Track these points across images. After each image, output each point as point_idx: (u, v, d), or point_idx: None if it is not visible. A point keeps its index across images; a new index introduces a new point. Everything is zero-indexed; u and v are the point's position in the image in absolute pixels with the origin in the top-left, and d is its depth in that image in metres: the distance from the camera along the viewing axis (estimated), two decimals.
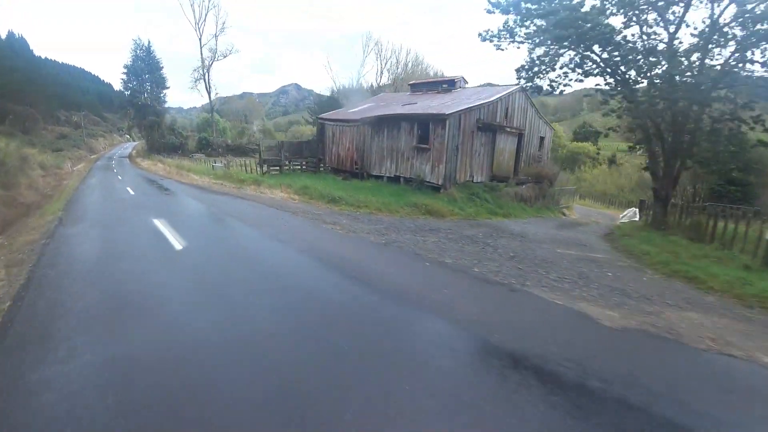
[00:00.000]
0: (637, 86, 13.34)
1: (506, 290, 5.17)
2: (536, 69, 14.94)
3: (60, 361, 2.93)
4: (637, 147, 14.61)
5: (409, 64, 44.58)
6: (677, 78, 12.15)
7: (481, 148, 16.07)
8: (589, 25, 11.84)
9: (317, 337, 3.39)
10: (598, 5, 12.47)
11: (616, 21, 13.57)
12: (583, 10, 12.40)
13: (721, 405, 2.80)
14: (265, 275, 5.10)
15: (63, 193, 16.20)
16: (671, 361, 3.52)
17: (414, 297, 4.62)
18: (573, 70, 14.62)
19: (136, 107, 47.94)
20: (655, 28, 12.88)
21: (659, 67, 12.70)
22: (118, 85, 51.36)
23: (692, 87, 11.74)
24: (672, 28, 12.55)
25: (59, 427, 2.23)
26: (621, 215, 20.52)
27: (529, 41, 14.87)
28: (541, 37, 14.30)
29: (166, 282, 4.74)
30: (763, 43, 10.71)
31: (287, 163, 20.29)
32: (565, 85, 14.41)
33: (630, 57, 12.54)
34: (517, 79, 15.52)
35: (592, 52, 13.37)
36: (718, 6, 11.50)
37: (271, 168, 19.85)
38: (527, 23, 14.43)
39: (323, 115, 21.75)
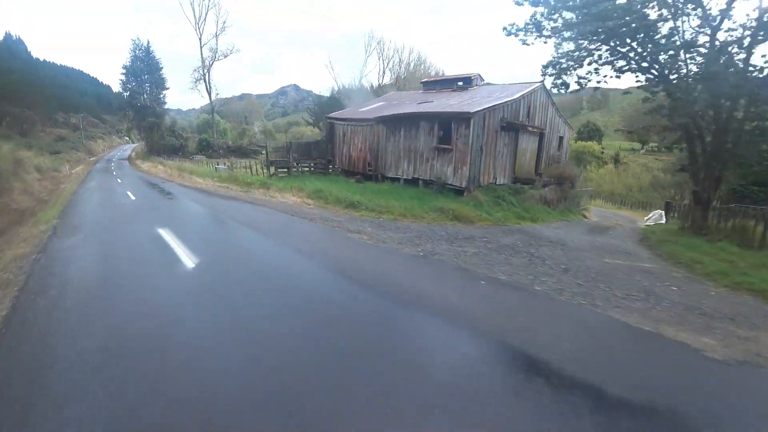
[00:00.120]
0: (676, 82, 12.45)
1: (586, 314, 4.51)
2: (564, 65, 14.07)
3: None
4: (675, 147, 13.67)
5: (412, 64, 43.70)
6: (719, 74, 11.28)
7: (504, 148, 15.14)
8: (632, 16, 10.92)
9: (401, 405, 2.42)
10: None
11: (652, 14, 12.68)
12: (622, 0, 11.49)
13: None
14: (299, 307, 4.13)
15: (60, 198, 15.22)
16: None
17: (493, 331, 3.73)
18: (605, 66, 13.73)
19: (135, 108, 46.95)
20: (695, 21, 11.97)
21: (699, 61, 11.80)
22: (117, 87, 50.43)
23: (740, 83, 10.86)
24: (715, 22, 11.63)
25: None
26: (645, 218, 19.61)
27: (557, 36, 13.99)
28: (571, 32, 13.43)
29: (181, 317, 3.77)
30: None
31: (295, 164, 19.30)
32: (598, 82, 13.49)
33: (672, 51, 11.62)
34: (543, 75, 14.62)
35: (629, 46, 12.45)
36: None
37: (279, 170, 18.87)
38: (555, 16, 13.54)
39: (332, 115, 20.77)
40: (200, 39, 45.37)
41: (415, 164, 14.99)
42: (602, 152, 54.90)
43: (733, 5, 11.12)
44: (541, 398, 2.64)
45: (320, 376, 2.78)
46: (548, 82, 14.95)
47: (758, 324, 4.57)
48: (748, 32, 10.93)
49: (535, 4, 13.04)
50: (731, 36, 11.51)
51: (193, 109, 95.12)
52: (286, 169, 18.96)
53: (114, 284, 4.75)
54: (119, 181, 22.02)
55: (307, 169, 19.78)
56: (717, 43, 11.48)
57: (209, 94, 47.47)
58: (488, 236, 9.97)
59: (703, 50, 11.70)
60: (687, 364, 3.45)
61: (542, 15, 13.73)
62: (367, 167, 17.23)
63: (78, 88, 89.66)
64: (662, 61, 12.26)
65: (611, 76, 13.40)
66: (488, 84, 18.98)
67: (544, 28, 13.96)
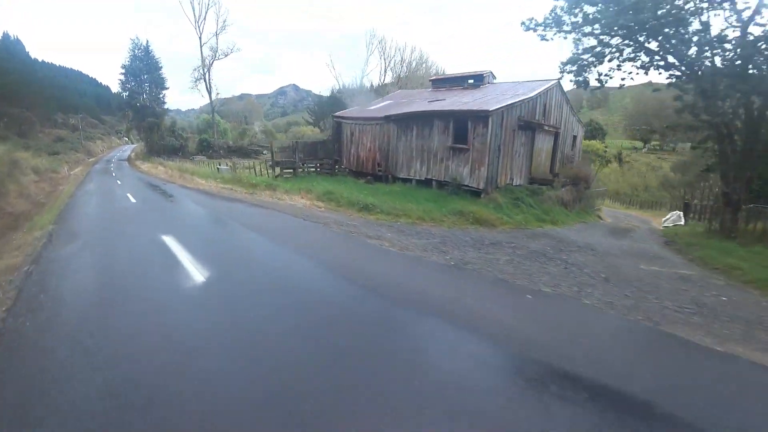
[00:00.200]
0: (705, 78, 11.83)
1: (650, 334, 4.13)
2: (584, 62, 13.47)
3: None
4: (702, 146, 13.05)
5: (413, 63, 42.99)
6: (751, 70, 10.70)
7: (520, 148, 14.54)
8: (666, 8, 10.31)
9: None
10: None
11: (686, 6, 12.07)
12: None
13: None
14: (328, 328, 3.50)
15: (57, 201, 14.57)
16: None
17: (562, 359, 3.14)
18: (627, 62, 13.14)
19: (134, 109, 46.25)
20: (726, 13, 11.37)
21: (729, 57, 11.19)
22: (116, 88, 49.67)
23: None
24: (748, 15, 11.01)
25: None
26: (663, 219, 19.00)
27: (576, 31, 13.40)
28: (592, 26, 12.86)
29: (198, 348, 3.13)
30: None
31: (302, 165, 18.66)
32: (622, 79, 12.89)
33: (705, 46, 11.01)
34: (561, 72, 14.02)
35: (656, 41, 11.83)
36: None
37: (285, 171, 18.22)
38: (576, 11, 12.95)
39: (339, 113, 20.13)
40: (200, 38, 44.78)
41: (429, 164, 14.35)
42: (605, 151, 54.36)
43: None
44: None
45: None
46: (567, 79, 14.38)
47: None
48: None
49: None
50: (764, 31, 10.91)
51: (193, 109, 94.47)
52: (291, 170, 18.32)
53: (114, 306, 4.10)
54: (119, 182, 21.37)
55: (313, 169, 19.13)
56: (750, 37, 10.88)
57: (209, 93, 46.85)
58: (514, 241, 9.39)
59: (729, 46, 11.11)
60: None
61: (563, 9, 13.15)
62: (376, 167, 16.58)
63: (77, 88, 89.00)
64: (690, 56, 11.66)
65: (636, 73, 12.81)
66: (500, 82, 18.36)
67: (564, 23, 13.38)
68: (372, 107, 19.49)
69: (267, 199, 12.87)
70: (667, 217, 18.89)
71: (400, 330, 3.71)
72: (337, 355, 3.04)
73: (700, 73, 11.51)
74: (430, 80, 20.03)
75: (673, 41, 11.63)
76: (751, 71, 10.80)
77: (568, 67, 13.90)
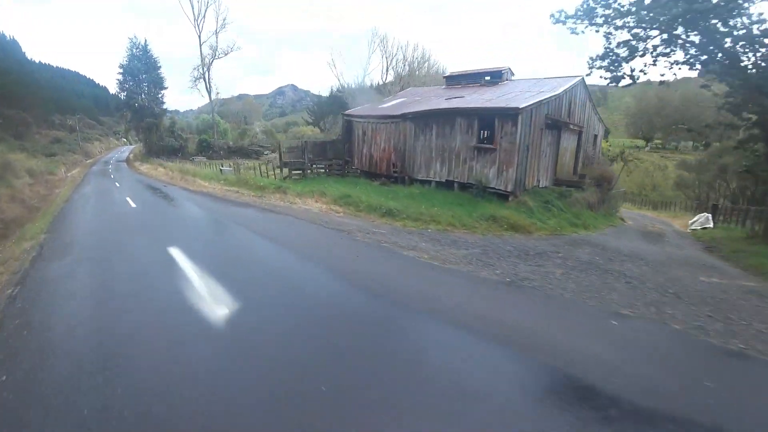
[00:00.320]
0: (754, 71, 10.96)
1: None
2: (617, 56, 12.63)
3: None
4: (745, 146, 12.17)
5: (416, 62, 41.91)
6: None
7: (547, 148, 13.65)
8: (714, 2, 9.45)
9: None
10: None
11: None
12: None
13: None
14: (400, 373, 2.57)
15: (52, 206, 13.62)
16: None
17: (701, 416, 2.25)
18: (661, 57, 12.28)
19: (132, 109, 45.20)
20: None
21: None
22: (113, 89, 48.56)
23: None
24: None
25: None
26: (690, 222, 18.13)
27: (609, 24, 12.54)
28: (626, 19, 12.01)
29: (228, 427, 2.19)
30: None
31: (311, 166, 17.70)
32: (662, 75, 12.03)
33: (753, 39, 10.14)
34: (590, 68, 13.17)
35: (699, 33, 10.95)
36: None
37: (293, 172, 17.26)
38: (610, 1, 12.11)
39: (350, 111, 19.17)
40: (199, 36, 43.77)
41: (450, 165, 13.42)
42: (609, 150, 53.52)
43: None
44: None
45: None
46: (596, 75, 13.53)
47: None
48: None
49: None
50: None
51: (191, 110, 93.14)
52: (300, 171, 17.37)
53: (119, 353, 3.16)
54: (117, 185, 20.39)
55: (323, 170, 18.18)
56: None
57: (209, 93, 45.82)
58: (559, 250, 8.51)
59: None
60: None
61: (595, 1, 12.31)
62: (391, 168, 15.65)
63: (74, 89, 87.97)
64: (738, 48, 10.78)
65: (679, 67, 11.94)
66: (519, 79, 17.46)
67: (596, 15, 12.53)
68: (384, 105, 18.55)
69: (278, 203, 11.92)
70: (694, 219, 18.01)
71: (503, 377, 2.79)
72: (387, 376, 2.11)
73: (750, 68, 10.64)
74: (444, 77, 19.11)
75: (717, 35, 10.76)
76: None
77: (597, 63, 13.06)
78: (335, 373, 2.79)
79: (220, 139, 47.22)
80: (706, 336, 4.03)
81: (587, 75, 14.11)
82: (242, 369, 2.85)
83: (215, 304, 4.00)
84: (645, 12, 11.02)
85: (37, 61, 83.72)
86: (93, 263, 5.76)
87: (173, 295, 4.31)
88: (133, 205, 12.32)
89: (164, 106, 47.82)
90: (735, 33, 10.40)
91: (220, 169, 24.65)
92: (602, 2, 12.14)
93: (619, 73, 12.19)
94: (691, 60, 11.87)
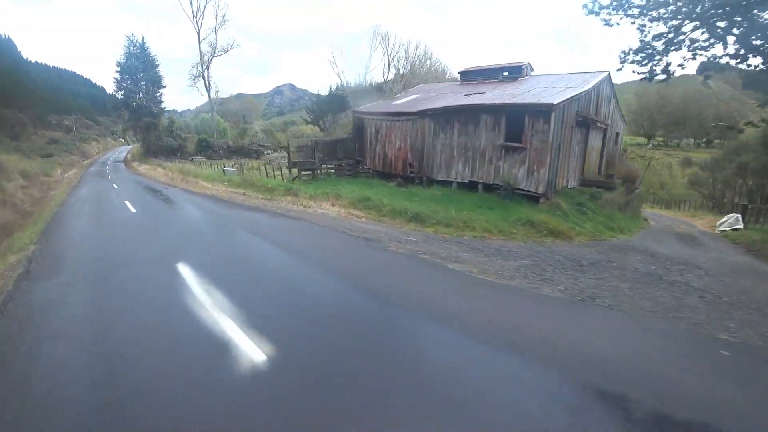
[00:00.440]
0: None
1: None
2: (654, 50, 11.76)
3: None
4: None
5: (418, 59, 40.79)
6: None
7: (576, 146, 12.78)
8: None
9: None
10: None
11: None
12: None
13: None
14: None
15: (45, 211, 12.65)
16: None
17: None
18: (701, 50, 11.42)
19: (130, 109, 44.09)
20: None
21: None
22: (111, 88, 47.28)
23: None
24: None
25: None
26: (719, 222, 17.28)
27: (644, 15, 11.68)
28: (663, 10, 11.14)
29: None
30: None
31: (322, 166, 16.75)
32: (706, 70, 11.17)
33: None
34: (622, 62, 12.29)
35: (742, 26, 10.07)
36: None
37: (302, 172, 16.31)
38: None
39: (361, 108, 18.21)
40: (198, 33, 42.66)
41: (473, 165, 12.51)
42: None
43: None
44: None
45: None
46: (628, 70, 12.64)
47: None
48: None
49: None
50: None
51: (189, 110, 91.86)
52: (310, 171, 16.42)
53: (124, 418, 2.25)
54: (115, 186, 19.41)
55: (332, 170, 17.23)
56: None
57: (208, 91, 44.66)
58: (610, 259, 7.70)
59: None
60: None
61: None
62: (408, 168, 14.71)
63: (71, 89, 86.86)
64: None
65: (727, 62, 11.07)
66: (539, 75, 16.56)
67: (631, 6, 11.67)
68: (398, 102, 17.61)
69: (291, 207, 11.00)
70: (723, 220, 17.18)
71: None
72: None
73: None
74: (459, 72, 18.17)
75: (759, 28, 9.89)
76: None
77: (631, 57, 12.19)
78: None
79: (220, 139, 46.15)
80: None
81: (618, 70, 13.22)
82: None
83: (245, 340, 3.11)
84: (681, 3, 10.16)
85: (33, 61, 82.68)
86: (88, 286, 4.83)
87: (191, 328, 3.39)
88: (132, 209, 11.37)
89: (162, 106, 46.74)
90: None
91: (223, 170, 23.68)
92: None
93: (656, 68, 11.30)
94: (734, 54, 11.02)
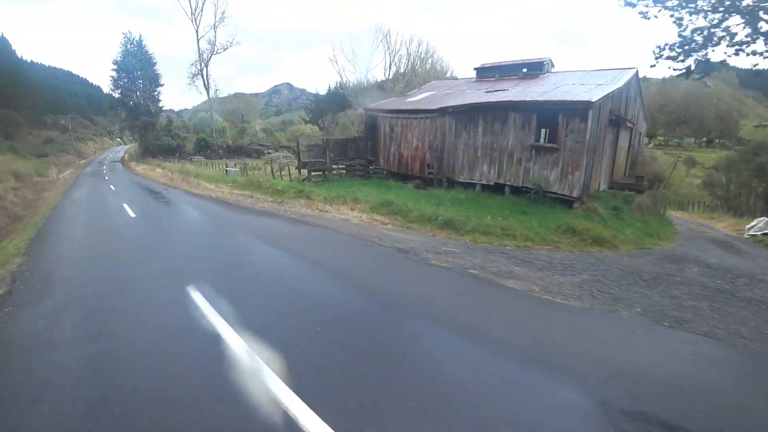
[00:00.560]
0: None
1: None
2: (695, 44, 10.98)
3: None
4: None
5: (420, 58, 39.83)
6: None
7: (608, 147, 11.96)
8: None
9: None
10: None
11: None
12: None
13: None
14: None
15: (37, 215, 11.71)
16: None
17: None
18: (743, 45, 10.65)
19: (127, 108, 43.04)
20: None
21: None
22: (107, 87, 46.11)
23: None
24: None
25: None
26: (748, 226, 16.55)
27: (684, 7, 10.90)
28: (702, 2, 10.36)
29: None
30: None
31: (333, 166, 15.86)
32: (755, 65, 10.37)
33: None
34: (656, 58, 11.49)
35: None
36: None
37: (312, 173, 15.41)
38: None
39: (374, 106, 17.32)
40: (197, 31, 41.58)
41: (500, 166, 11.66)
42: None
43: None
44: None
45: None
46: (663, 66, 11.85)
47: None
48: None
49: None
50: None
51: (186, 109, 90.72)
52: (320, 172, 15.52)
53: None
54: (112, 188, 18.47)
55: (343, 171, 16.34)
56: None
57: (207, 90, 43.56)
58: (669, 271, 6.87)
59: None
60: None
61: None
62: (426, 169, 13.84)
63: (68, 89, 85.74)
64: None
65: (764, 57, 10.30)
66: (562, 71, 15.74)
67: None
68: (412, 99, 16.73)
69: (306, 212, 10.11)
70: (752, 224, 16.44)
71: None
72: None
73: None
74: (475, 68, 17.33)
75: None
76: None
77: (666, 52, 11.41)
78: None
79: (219, 138, 45.11)
80: None
81: (651, 66, 12.47)
82: None
83: (302, 410, 2.23)
84: None
85: (29, 61, 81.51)
86: (81, 315, 3.93)
87: (213, 382, 2.51)
88: (131, 214, 10.46)
89: (160, 105, 45.69)
90: None
91: (226, 170, 22.76)
92: None
93: (702, 62, 10.50)
94: None
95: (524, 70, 16.00)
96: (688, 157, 46.42)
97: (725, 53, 11.01)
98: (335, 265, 5.65)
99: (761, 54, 10.80)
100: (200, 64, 42.69)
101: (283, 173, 19.27)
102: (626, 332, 3.93)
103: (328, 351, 3.10)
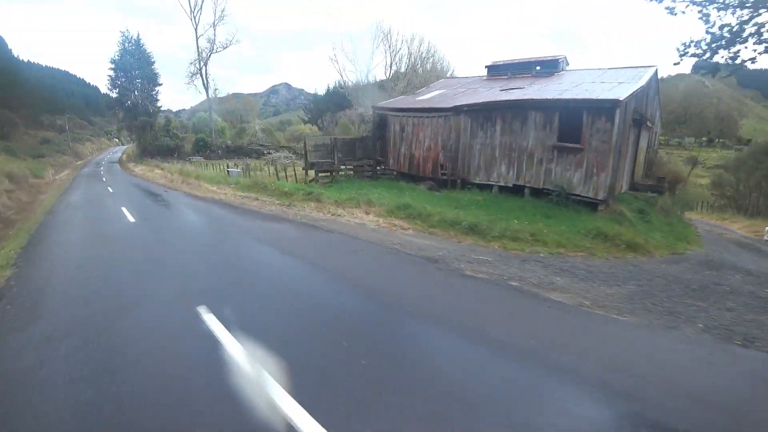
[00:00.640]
0: None
1: None
2: (722, 41, 10.48)
3: None
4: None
5: (421, 57, 39.24)
6: None
7: (631, 147, 11.45)
8: None
9: None
10: None
11: None
12: None
13: None
14: None
15: (30, 220, 11.09)
16: None
17: None
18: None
19: (125, 108, 42.29)
20: None
21: None
22: (105, 87, 45.40)
23: None
24: None
25: None
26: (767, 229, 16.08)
27: (711, 3, 10.39)
28: None
29: None
30: None
31: (342, 167, 15.28)
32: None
33: None
34: (681, 55, 10.97)
35: None
36: None
37: (320, 174, 14.83)
38: None
39: (383, 104, 16.75)
40: (196, 29, 40.88)
41: (519, 167, 11.11)
42: None
43: None
44: None
45: None
46: (687, 63, 11.36)
47: None
48: None
49: None
50: None
51: (183, 109, 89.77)
52: (328, 173, 14.96)
53: None
54: (110, 190, 17.86)
55: (351, 171, 15.77)
56: None
57: (206, 89, 42.87)
58: (710, 279, 6.35)
59: None
60: None
61: None
62: (439, 170, 13.28)
63: (65, 89, 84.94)
64: None
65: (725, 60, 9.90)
66: (577, 69, 15.20)
67: None
68: (422, 97, 16.17)
69: (317, 216, 9.54)
70: None
71: None
72: None
73: None
74: (486, 66, 16.80)
75: None
76: None
77: (692, 49, 10.90)
78: None
79: (218, 138, 44.41)
80: None
81: (675, 64, 11.97)
82: None
83: None
84: None
85: (26, 61, 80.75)
86: (79, 345, 3.35)
87: None
88: (131, 219, 9.86)
89: (159, 105, 44.95)
90: None
91: (227, 171, 22.15)
92: None
93: (733, 59, 10.00)
94: None
95: (538, 68, 15.47)
96: (690, 157, 46.03)
97: (755, 50, 10.54)
98: (361, 279, 5.09)
99: None
100: (199, 63, 42.01)
101: (287, 174, 18.68)
102: (703, 354, 3.42)
103: (383, 396, 2.54)
